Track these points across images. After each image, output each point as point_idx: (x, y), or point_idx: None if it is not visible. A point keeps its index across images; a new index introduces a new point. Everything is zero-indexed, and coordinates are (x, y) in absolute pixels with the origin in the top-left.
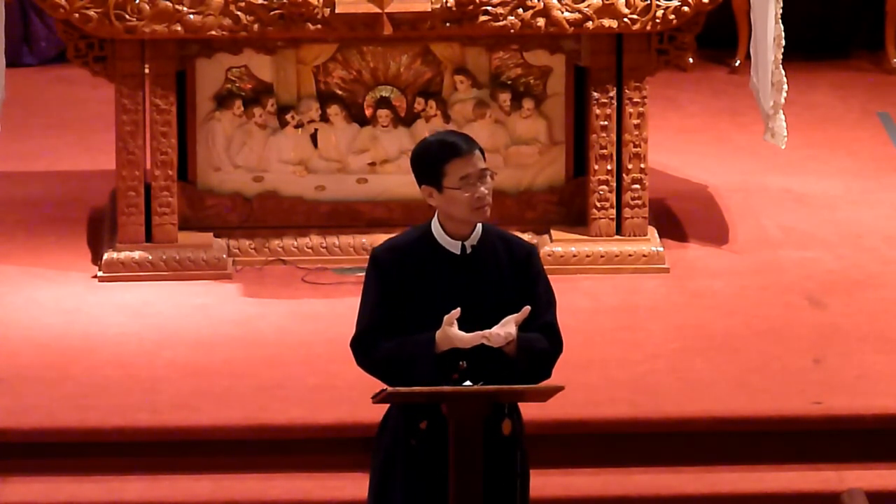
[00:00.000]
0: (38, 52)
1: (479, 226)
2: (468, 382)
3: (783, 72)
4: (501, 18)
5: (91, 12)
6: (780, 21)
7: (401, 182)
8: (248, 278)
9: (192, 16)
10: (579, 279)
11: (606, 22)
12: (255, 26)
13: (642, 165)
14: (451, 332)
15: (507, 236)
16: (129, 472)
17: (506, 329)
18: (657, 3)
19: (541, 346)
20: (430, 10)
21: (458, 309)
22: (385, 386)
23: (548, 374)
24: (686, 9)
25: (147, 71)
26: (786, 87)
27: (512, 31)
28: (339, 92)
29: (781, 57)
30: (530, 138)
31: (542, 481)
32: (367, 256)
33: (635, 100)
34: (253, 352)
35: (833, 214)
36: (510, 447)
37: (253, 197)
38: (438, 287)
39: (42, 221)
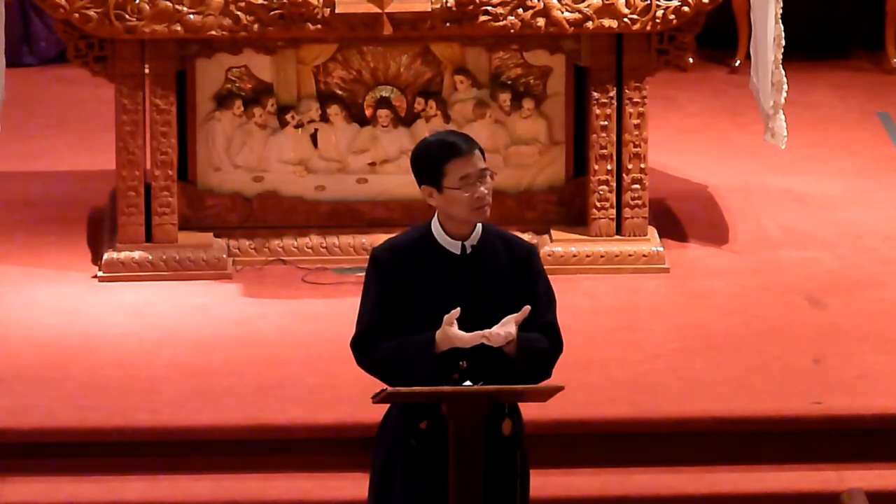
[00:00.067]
0: (38, 52)
1: (479, 226)
2: (468, 382)
3: (783, 72)
4: (501, 18)
5: (91, 12)
6: (780, 21)
7: (401, 182)
8: (248, 278)
9: (192, 16)
10: (579, 279)
11: (606, 22)
12: (255, 26)
13: (642, 165)
14: (451, 331)
15: (507, 236)
16: (129, 472)
17: (506, 329)
18: (657, 3)
19: (541, 346)
20: (430, 10)
21: (458, 309)
22: (385, 386)
23: (548, 374)
24: (686, 9)
25: (147, 71)
26: (786, 87)
27: (512, 31)
28: (339, 92)
29: (781, 57)
30: (530, 138)
31: (542, 481)
32: (367, 256)
33: (635, 100)
34: (253, 352)
35: (833, 214)
36: (510, 447)
37: (253, 197)
38: (438, 287)
39: (42, 221)
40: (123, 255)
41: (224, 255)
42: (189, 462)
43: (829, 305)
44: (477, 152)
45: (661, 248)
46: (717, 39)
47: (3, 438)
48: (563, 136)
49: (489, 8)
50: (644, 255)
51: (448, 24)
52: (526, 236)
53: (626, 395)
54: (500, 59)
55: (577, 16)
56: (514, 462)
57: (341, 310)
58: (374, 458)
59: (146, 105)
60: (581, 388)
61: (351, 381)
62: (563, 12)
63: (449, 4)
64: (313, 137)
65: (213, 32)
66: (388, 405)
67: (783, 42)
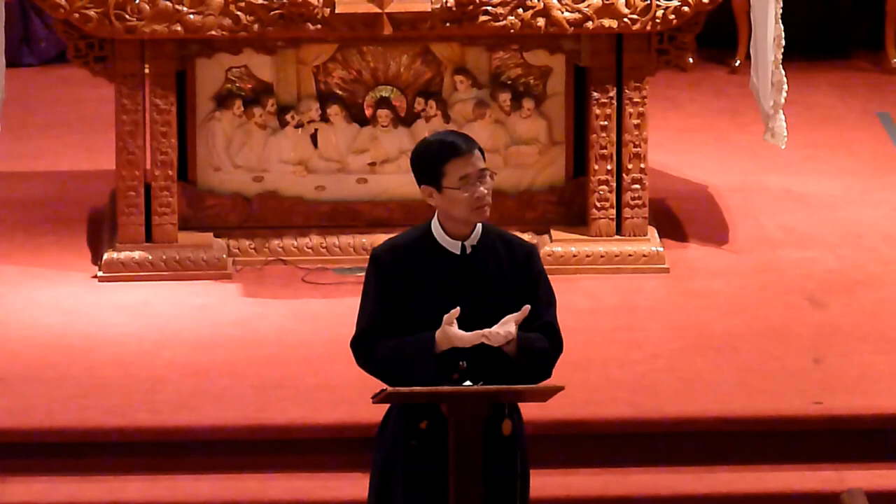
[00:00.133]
0: (38, 52)
1: (479, 226)
2: (468, 382)
3: (783, 72)
4: (501, 18)
5: (91, 12)
6: (780, 21)
7: (401, 182)
8: (248, 278)
9: (192, 16)
10: (579, 279)
11: (606, 22)
12: (255, 26)
13: (642, 165)
14: (451, 331)
15: (507, 236)
16: (129, 472)
17: (505, 328)
18: (657, 3)
19: (541, 346)
20: (430, 10)
21: (458, 308)
22: (385, 386)
23: (548, 374)
24: (686, 9)
25: (147, 71)
26: (786, 87)
27: (512, 31)
28: (339, 92)
29: (781, 57)
30: (530, 138)
31: (542, 481)
32: (367, 256)
33: (635, 100)
34: (253, 352)
35: (833, 214)
36: (510, 447)
37: (253, 197)
38: (438, 287)
39: (42, 221)
40: (123, 255)
41: (224, 255)
42: (189, 462)
43: (829, 305)
44: (477, 152)
45: (661, 248)
46: (717, 39)
47: (3, 438)
48: (563, 136)
49: (489, 8)
50: (644, 255)
51: (448, 24)
52: (526, 236)
53: (626, 395)
54: (500, 59)
55: (577, 16)
56: (514, 462)
57: (341, 310)
58: (374, 458)
59: (146, 105)
60: (581, 388)
61: (351, 381)
62: (563, 12)
63: (449, 4)
64: (313, 137)
65: (213, 32)
66: (388, 405)
67: (783, 42)
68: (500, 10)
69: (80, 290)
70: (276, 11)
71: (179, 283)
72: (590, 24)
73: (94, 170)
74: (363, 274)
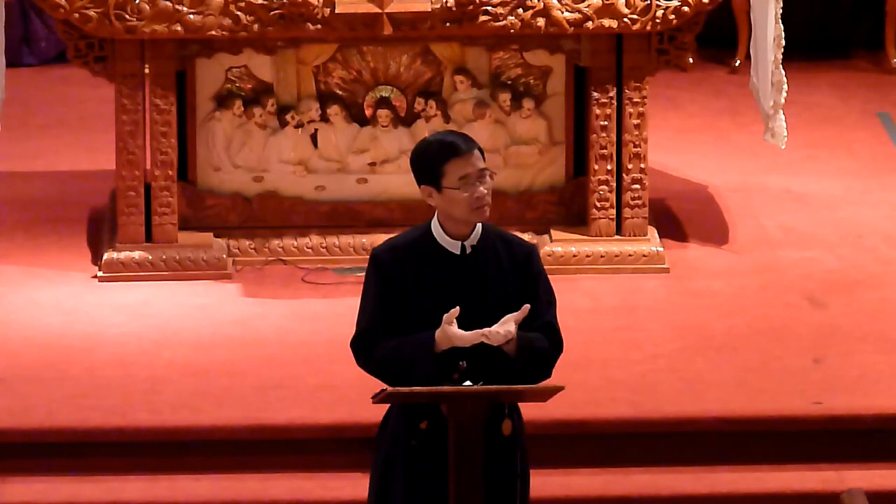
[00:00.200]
0: (38, 52)
1: (479, 226)
2: (468, 382)
3: (783, 72)
4: (501, 18)
5: (91, 12)
6: (780, 21)
7: (401, 182)
8: (248, 278)
9: (192, 16)
10: (579, 279)
11: (606, 22)
12: (255, 26)
13: (642, 165)
14: (451, 330)
15: (507, 236)
16: (129, 472)
17: (505, 327)
18: (657, 3)
19: (541, 346)
20: (430, 10)
21: (458, 308)
22: (385, 386)
23: (548, 374)
24: (686, 9)
25: (147, 71)
26: (786, 87)
27: (512, 31)
28: (339, 92)
29: (781, 57)
30: (530, 138)
31: (542, 481)
32: (367, 256)
33: (635, 100)
34: (253, 352)
35: (833, 214)
36: (510, 447)
37: (253, 197)
38: (438, 287)
39: (42, 221)
40: (123, 255)
41: (224, 255)
42: (189, 462)
43: (829, 305)
44: (476, 152)
45: (661, 248)
46: (717, 39)
47: (3, 438)
48: (563, 136)
49: (489, 8)
50: (644, 255)
51: (448, 24)
52: (526, 236)
53: (626, 395)
54: (500, 59)
55: (577, 16)
56: (514, 462)
57: (341, 310)
58: (375, 458)
59: (146, 105)
60: (581, 388)
61: (351, 381)
62: (563, 12)
63: (449, 4)
64: (313, 137)
65: (213, 32)
66: (388, 405)
67: (783, 42)
68: (500, 10)
69: (80, 290)
70: (276, 11)
71: (179, 283)
72: (590, 24)
73: (94, 170)
74: (363, 274)
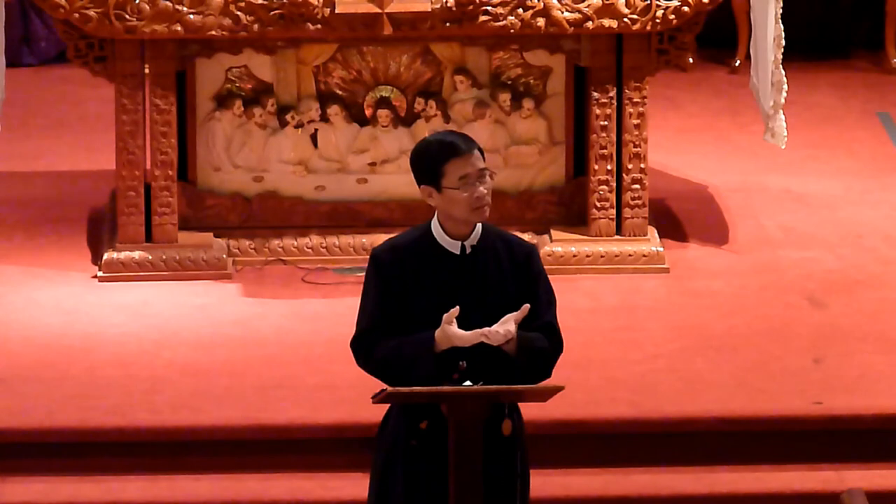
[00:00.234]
0: (38, 52)
1: (479, 226)
2: (468, 382)
3: (783, 72)
4: (501, 18)
5: (91, 12)
6: (780, 21)
7: (401, 182)
8: (248, 278)
9: (192, 16)
10: (579, 279)
11: (606, 22)
12: (255, 26)
13: (642, 165)
14: (451, 330)
15: (507, 236)
16: (129, 472)
17: (505, 327)
18: (657, 3)
19: (541, 346)
20: (430, 10)
21: (457, 307)
22: (385, 386)
23: (548, 374)
24: (686, 9)
25: (147, 71)
26: (786, 87)
27: (512, 31)
28: (339, 92)
29: (781, 57)
30: (530, 138)
31: (542, 481)
32: (367, 256)
33: (635, 100)
34: (253, 352)
35: (833, 214)
36: (510, 447)
37: (253, 197)
38: (438, 287)
39: (42, 221)
40: (123, 255)
41: (224, 255)
42: (189, 462)
43: (829, 305)
44: (476, 152)
45: (661, 248)
46: (717, 39)
47: (3, 438)
48: (563, 136)
49: (489, 8)
50: (644, 255)
51: (448, 24)
52: (526, 236)
53: (626, 395)
54: (500, 59)
55: (577, 16)
56: (514, 462)
57: (341, 310)
58: (375, 458)
59: (146, 105)
60: (581, 388)
61: (351, 381)
62: (563, 12)
63: (449, 4)
64: (313, 137)
65: (213, 32)
66: (388, 405)
67: (783, 42)
68: (500, 10)
69: (80, 290)
70: (276, 11)
71: (179, 283)
72: (590, 24)
73: (94, 170)
74: (363, 274)
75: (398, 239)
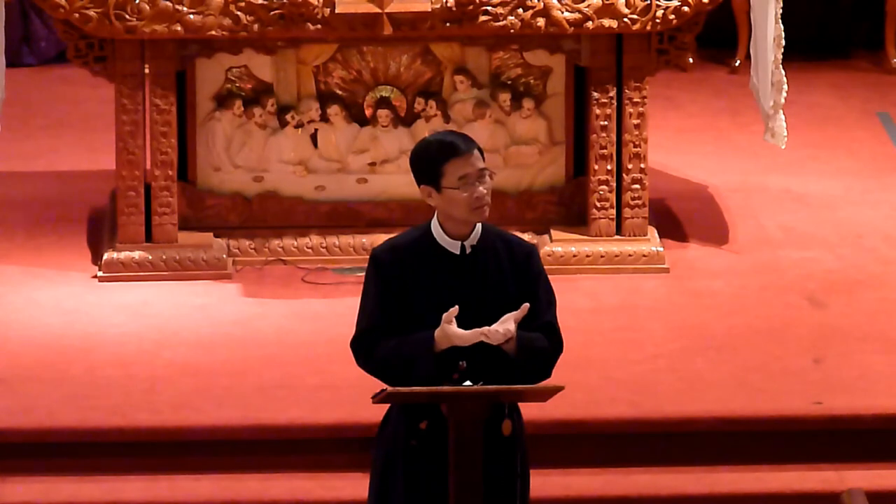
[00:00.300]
0: (38, 52)
1: (479, 226)
2: (468, 382)
3: (783, 72)
4: (501, 18)
5: (91, 12)
6: (780, 21)
7: (401, 182)
8: (248, 278)
9: (192, 16)
10: (579, 279)
11: (606, 22)
12: (255, 26)
13: (642, 165)
14: (450, 330)
15: (506, 236)
16: (129, 472)
17: (505, 326)
18: (657, 3)
19: (541, 345)
20: (430, 10)
21: (457, 307)
22: (385, 386)
23: (548, 374)
24: (686, 9)
25: (147, 71)
26: (786, 87)
27: (512, 31)
28: (339, 92)
29: (781, 57)
30: (530, 138)
31: (542, 481)
32: (367, 256)
33: (635, 100)
34: (253, 352)
35: (833, 214)
36: (510, 447)
37: (253, 197)
38: (438, 287)
39: (42, 221)
40: (123, 255)
41: (224, 255)
42: (189, 462)
43: (829, 305)
44: (476, 152)
45: (661, 248)
46: (717, 39)
47: (3, 438)
48: (563, 136)
49: (489, 8)
50: (644, 255)
51: (448, 24)
52: (526, 236)
53: (626, 395)
54: (500, 59)
55: (577, 16)
56: (514, 462)
57: (341, 310)
58: (374, 458)
59: (146, 105)
60: (581, 388)
61: (351, 381)
62: (563, 12)
63: (449, 4)
64: (313, 137)
65: (213, 32)
66: (388, 405)
67: (783, 42)
68: (500, 10)
69: (80, 290)
70: (276, 11)
71: (179, 283)
72: (590, 24)
73: (94, 170)
74: (363, 274)
75: (398, 239)
